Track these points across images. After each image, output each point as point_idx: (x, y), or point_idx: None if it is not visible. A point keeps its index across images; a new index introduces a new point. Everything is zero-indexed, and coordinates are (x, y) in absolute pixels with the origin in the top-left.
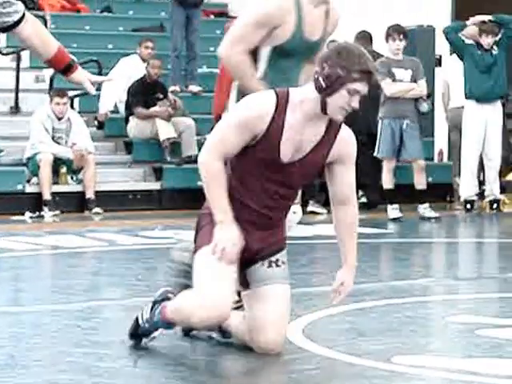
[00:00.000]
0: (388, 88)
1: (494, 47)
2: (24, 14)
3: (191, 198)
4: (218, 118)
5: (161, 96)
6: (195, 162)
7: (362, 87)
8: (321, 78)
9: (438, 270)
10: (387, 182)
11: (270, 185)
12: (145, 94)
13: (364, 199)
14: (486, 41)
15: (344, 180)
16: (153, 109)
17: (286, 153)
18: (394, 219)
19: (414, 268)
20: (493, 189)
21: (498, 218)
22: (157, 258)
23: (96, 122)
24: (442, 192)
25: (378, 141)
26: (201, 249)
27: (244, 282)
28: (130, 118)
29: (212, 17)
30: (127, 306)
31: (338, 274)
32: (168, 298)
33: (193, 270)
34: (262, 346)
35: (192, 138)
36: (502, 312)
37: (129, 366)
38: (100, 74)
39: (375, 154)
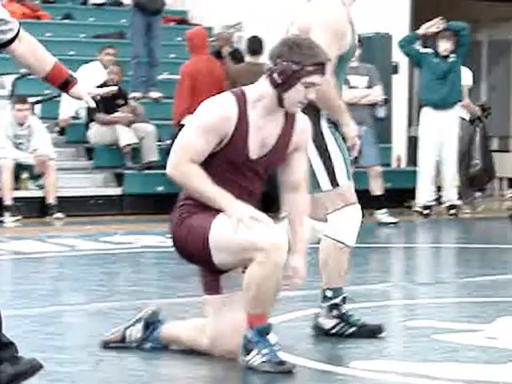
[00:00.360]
0: (344, 95)
1: (451, 55)
2: (18, 33)
3: (152, 204)
4: (178, 124)
5: (122, 102)
6: (156, 167)
7: (318, 79)
8: (276, 75)
9: (396, 275)
10: None
11: (241, 181)
12: (106, 100)
13: None
14: (443, 47)
15: (299, 167)
16: (114, 115)
17: (254, 150)
18: None
19: (372, 273)
20: (449, 194)
21: (455, 223)
22: (117, 263)
23: (57, 128)
24: (400, 198)
25: None
26: (210, 227)
27: (215, 287)
28: (91, 124)
29: (172, 24)
30: (88, 311)
31: (290, 261)
32: (159, 321)
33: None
34: (235, 350)
35: (152, 143)
36: (459, 317)
37: (89, 371)
38: None
39: None
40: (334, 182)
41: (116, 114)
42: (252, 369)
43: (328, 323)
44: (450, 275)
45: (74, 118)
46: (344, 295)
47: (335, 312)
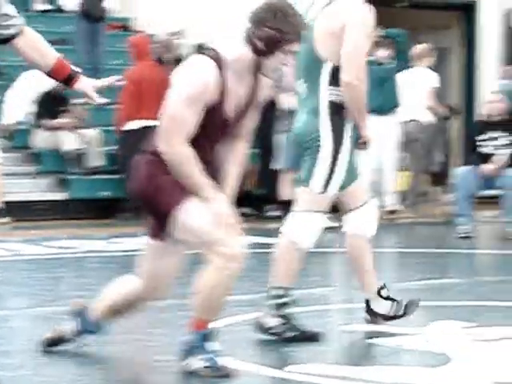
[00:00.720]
0: (286, 102)
1: (390, 61)
2: (22, 28)
3: (97, 208)
4: (122, 129)
5: (66, 108)
6: (101, 172)
7: (297, 47)
8: (257, 41)
9: (336, 280)
10: (286, 193)
11: (215, 140)
12: (51, 105)
13: (272, 213)
14: (381, 55)
15: (252, 118)
16: (58, 120)
17: (231, 110)
18: None
19: (312, 277)
20: (389, 199)
21: (395, 228)
22: (62, 268)
23: (3, 133)
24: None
25: (278, 154)
26: (185, 203)
27: (159, 235)
28: (36, 129)
29: (116, 31)
30: (32, 316)
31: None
32: (86, 308)
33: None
34: (163, 294)
35: (97, 149)
36: (396, 321)
37: (32, 375)
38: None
39: (276, 166)
40: (325, 188)
41: (61, 120)
42: (192, 373)
43: (271, 322)
44: (389, 279)
45: (20, 123)
46: (293, 297)
47: (281, 311)
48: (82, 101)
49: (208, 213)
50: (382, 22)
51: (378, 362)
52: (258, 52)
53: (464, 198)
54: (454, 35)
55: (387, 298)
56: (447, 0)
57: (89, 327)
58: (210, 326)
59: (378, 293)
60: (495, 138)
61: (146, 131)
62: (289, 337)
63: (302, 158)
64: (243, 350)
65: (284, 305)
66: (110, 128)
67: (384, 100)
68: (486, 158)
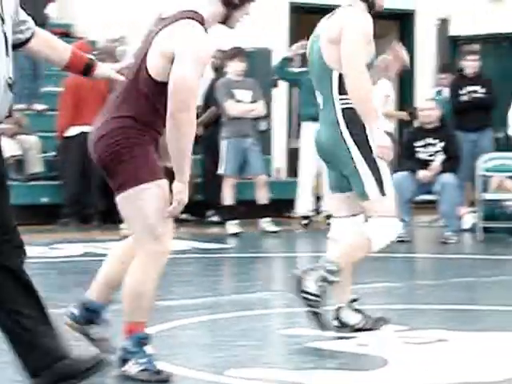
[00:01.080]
0: (231, 109)
1: None
2: (34, 30)
3: (37, 214)
4: (62, 136)
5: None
6: (40, 179)
7: None
8: None
9: (276, 284)
10: (228, 198)
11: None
12: None
13: (213, 218)
14: None
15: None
16: None
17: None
18: (234, 234)
19: (253, 282)
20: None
21: None
22: None
23: None
24: (280, 208)
25: (221, 159)
26: (145, 183)
27: None
28: None
29: (56, 37)
30: None
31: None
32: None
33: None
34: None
35: (36, 155)
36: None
37: None
38: None
39: (219, 171)
40: (382, 191)
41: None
42: (129, 378)
43: (310, 287)
44: None
45: None
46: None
47: (322, 282)
48: (22, 107)
49: (160, 202)
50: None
51: (313, 366)
52: (230, 5)
53: (400, 203)
54: (391, 44)
55: (358, 311)
56: (385, 9)
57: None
58: (146, 329)
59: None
60: (430, 145)
61: (86, 137)
62: (310, 311)
63: (332, 170)
64: (184, 354)
65: (330, 282)
66: (48, 134)
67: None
68: (422, 163)
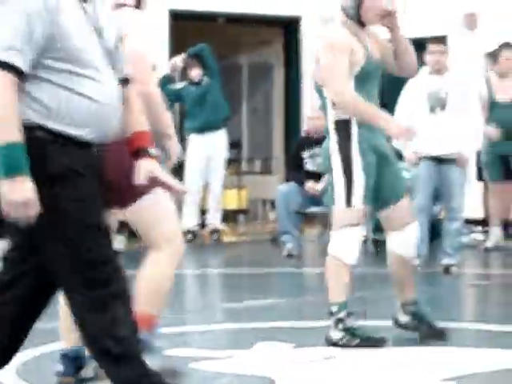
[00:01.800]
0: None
1: (204, 78)
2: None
3: None
4: None
5: None
6: None
7: None
8: None
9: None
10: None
11: None
12: None
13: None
14: (193, 74)
15: None
16: None
17: None
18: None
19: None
20: (213, 218)
21: (219, 247)
22: None
23: None
24: None
25: None
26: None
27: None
28: None
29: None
30: None
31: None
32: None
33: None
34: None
35: None
36: (219, 343)
37: None
38: None
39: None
40: (349, 202)
41: None
42: None
43: (335, 335)
44: (214, 300)
45: None
46: (348, 310)
47: (341, 325)
48: None
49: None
50: (205, 38)
51: None
52: None
53: (286, 215)
54: (277, 51)
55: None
56: (270, 16)
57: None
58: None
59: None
60: (317, 155)
61: None
62: (356, 345)
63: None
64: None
65: (340, 320)
66: None
67: (207, 117)
68: (310, 175)
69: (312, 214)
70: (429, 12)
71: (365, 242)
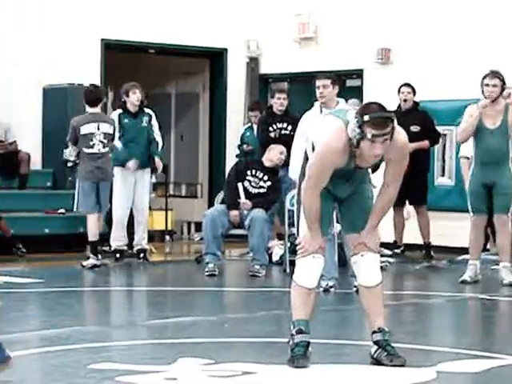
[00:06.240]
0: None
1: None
2: None
3: None
4: None
5: None
6: None
7: None
8: None
9: (88, 318)
10: (93, 234)
11: None
12: None
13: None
14: (133, 102)
15: None
16: None
17: None
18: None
19: (62, 317)
20: (140, 239)
21: (145, 266)
22: None
23: None
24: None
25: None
26: None
27: None
28: None
29: None
30: None
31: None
32: None
33: None
34: None
35: None
36: (143, 358)
37: None
38: None
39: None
40: (297, 232)
41: None
42: None
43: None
44: (137, 317)
45: None
46: (301, 327)
47: (291, 341)
48: None
49: None
50: (135, 67)
51: None
52: None
53: (211, 238)
54: (203, 81)
55: None
56: (197, 47)
57: None
58: None
59: None
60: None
61: None
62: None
63: None
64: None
65: (291, 335)
66: None
67: (134, 150)
68: (249, 196)
69: (235, 236)
70: (345, 46)
71: (281, 262)
